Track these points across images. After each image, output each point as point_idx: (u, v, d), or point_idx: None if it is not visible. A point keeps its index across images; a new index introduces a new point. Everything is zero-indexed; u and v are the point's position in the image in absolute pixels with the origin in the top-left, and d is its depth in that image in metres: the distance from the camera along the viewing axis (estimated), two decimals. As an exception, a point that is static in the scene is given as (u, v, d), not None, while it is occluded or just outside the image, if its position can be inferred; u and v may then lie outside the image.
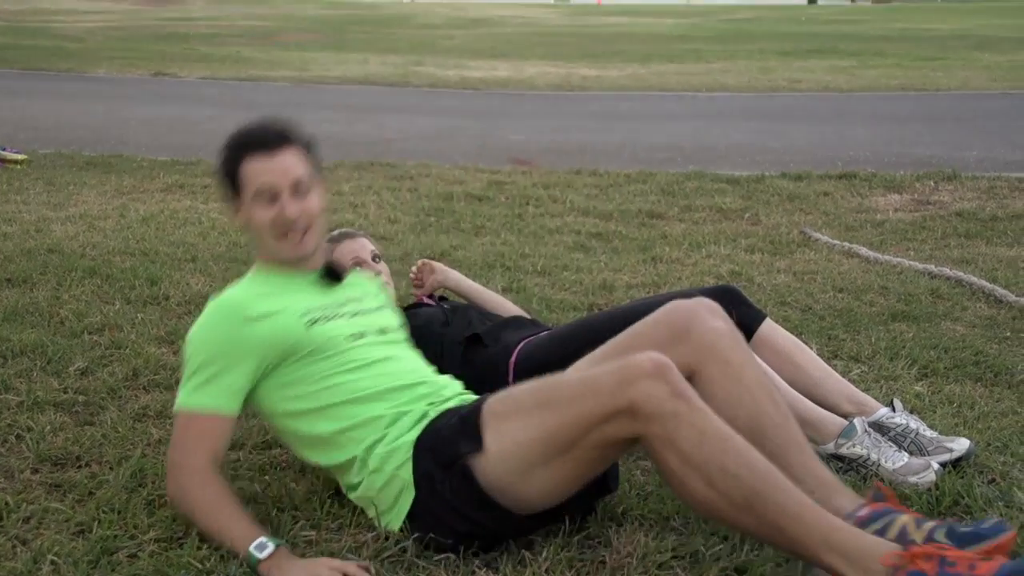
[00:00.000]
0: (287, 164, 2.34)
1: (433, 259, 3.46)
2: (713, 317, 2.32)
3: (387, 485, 2.24)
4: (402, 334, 2.54)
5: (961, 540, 1.99)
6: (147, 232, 5.31)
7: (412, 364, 2.45)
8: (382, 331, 2.45)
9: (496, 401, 2.20)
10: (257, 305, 2.32)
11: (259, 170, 2.34)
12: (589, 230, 5.48)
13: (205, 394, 2.27)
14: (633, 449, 2.22)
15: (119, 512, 2.34)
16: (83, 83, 14.57)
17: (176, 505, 2.28)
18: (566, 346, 2.69)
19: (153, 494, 2.43)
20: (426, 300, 3.24)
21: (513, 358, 2.80)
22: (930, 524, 2.05)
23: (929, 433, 2.69)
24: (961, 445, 2.63)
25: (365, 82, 15.20)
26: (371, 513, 2.29)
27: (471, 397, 2.41)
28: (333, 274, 2.47)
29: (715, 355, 2.26)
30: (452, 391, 2.43)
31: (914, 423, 2.71)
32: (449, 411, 2.29)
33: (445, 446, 2.18)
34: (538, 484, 2.13)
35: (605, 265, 4.75)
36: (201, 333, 2.33)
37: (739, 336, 2.33)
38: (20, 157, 7.50)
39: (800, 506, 1.96)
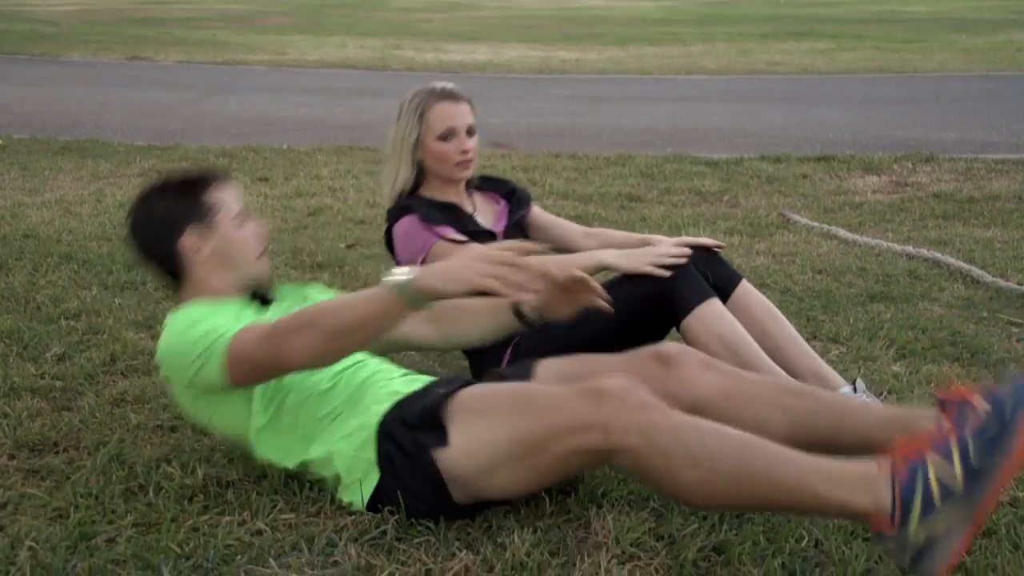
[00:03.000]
0: None
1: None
2: (702, 370, 2.30)
3: (353, 466, 2.26)
4: None
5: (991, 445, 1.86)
6: (124, 217, 5.27)
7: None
8: None
9: (468, 397, 2.21)
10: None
11: None
12: (568, 213, 5.46)
13: (224, 331, 2.23)
14: (601, 465, 2.25)
15: (96, 497, 2.33)
16: (58, 67, 14.44)
17: (307, 350, 2.12)
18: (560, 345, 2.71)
19: (131, 479, 2.41)
20: (497, 225, 3.11)
21: (506, 359, 2.84)
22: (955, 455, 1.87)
23: None
24: None
25: (343, 66, 15.12)
26: (332, 487, 2.31)
27: (421, 378, 2.44)
28: (263, 299, 2.50)
29: (712, 403, 2.25)
30: (397, 371, 2.45)
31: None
32: (414, 396, 2.29)
33: (408, 434, 2.20)
34: (499, 484, 2.16)
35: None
36: (178, 330, 2.30)
37: (729, 376, 2.33)
38: (-6, 142, 7.45)
39: (787, 455, 1.96)
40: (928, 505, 1.86)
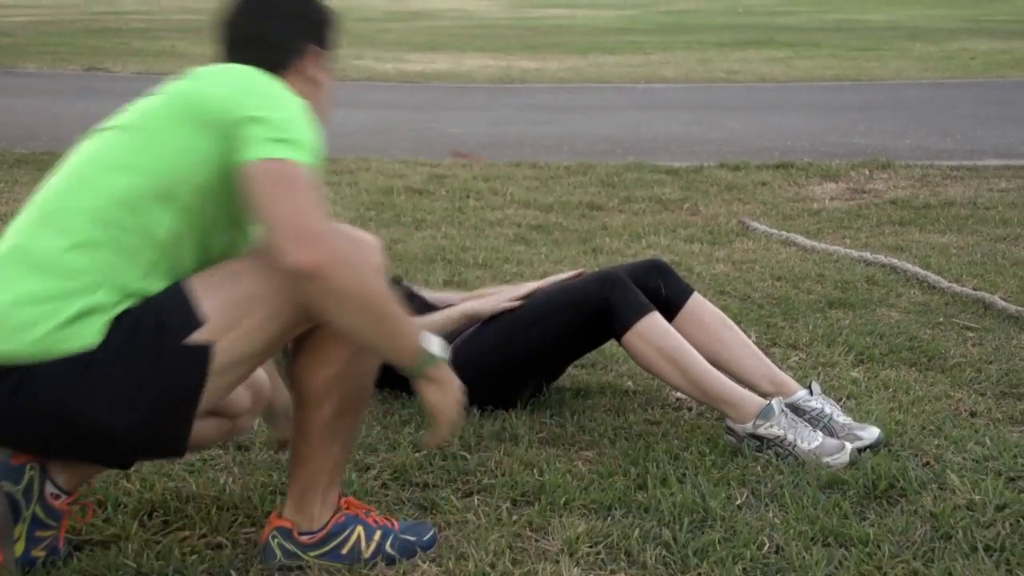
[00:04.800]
0: None
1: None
2: None
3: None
4: None
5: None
6: None
7: None
8: None
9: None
10: None
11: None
12: (530, 222, 5.48)
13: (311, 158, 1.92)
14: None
15: (54, 514, 2.29)
16: (13, 79, 14.28)
17: (338, 273, 1.81)
18: (501, 339, 2.88)
19: (89, 495, 2.38)
20: None
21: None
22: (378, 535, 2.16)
23: (842, 419, 2.73)
24: (871, 434, 2.68)
25: (303, 76, 15.05)
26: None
27: None
28: None
29: None
30: None
31: (829, 408, 2.76)
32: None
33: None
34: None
35: (546, 257, 4.76)
36: (284, 94, 1.96)
37: None
38: (-52, 155, 7.34)
39: None
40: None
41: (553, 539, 2.22)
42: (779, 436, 2.60)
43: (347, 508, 2.16)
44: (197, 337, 1.87)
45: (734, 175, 6.87)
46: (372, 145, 8.39)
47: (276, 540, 2.11)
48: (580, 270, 3.09)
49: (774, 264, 4.61)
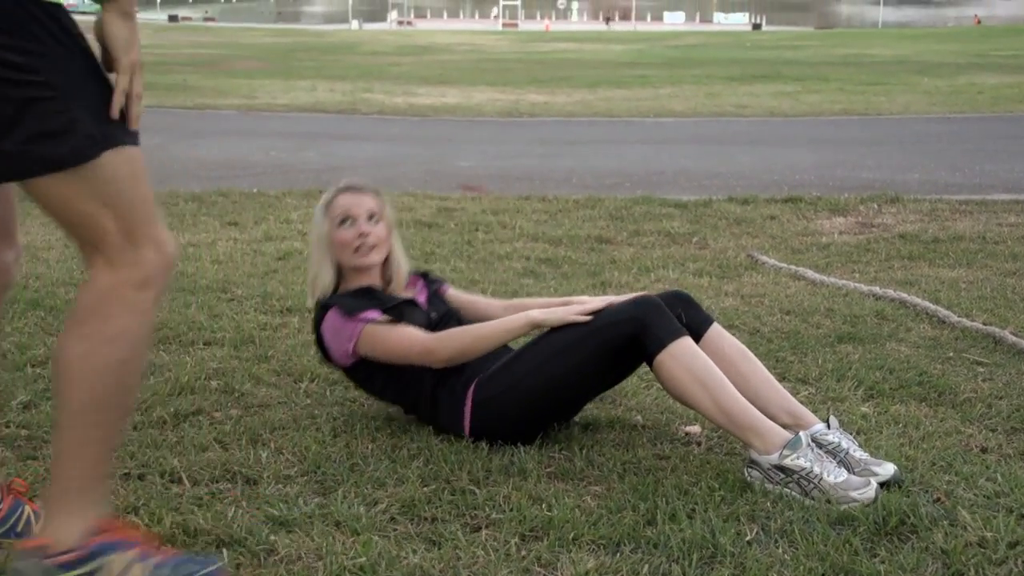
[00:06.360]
0: None
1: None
2: None
3: None
4: None
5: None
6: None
7: None
8: None
9: None
10: None
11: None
12: (539, 256, 5.49)
13: None
14: None
15: (62, 548, 2.29)
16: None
17: None
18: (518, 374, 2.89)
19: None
20: (418, 297, 3.18)
21: (470, 398, 2.92)
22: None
23: (859, 454, 2.72)
24: (887, 470, 2.66)
25: (313, 109, 15.17)
26: None
27: None
28: None
29: None
30: None
31: (846, 443, 2.75)
32: None
33: None
34: None
35: (555, 290, 4.76)
36: None
37: None
38: (-39, 187, 7.38)
39: None
40: None
41: (562, 575, 2.21)
42: (806, 468, 2.58)
43: (110, 531, 1.99)
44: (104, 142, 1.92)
45: (743, 209, 6.88)
46: (381, 178, 8.43)
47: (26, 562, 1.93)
48: (644, 293, 3.04)
49: (783, 298, 4.60)
